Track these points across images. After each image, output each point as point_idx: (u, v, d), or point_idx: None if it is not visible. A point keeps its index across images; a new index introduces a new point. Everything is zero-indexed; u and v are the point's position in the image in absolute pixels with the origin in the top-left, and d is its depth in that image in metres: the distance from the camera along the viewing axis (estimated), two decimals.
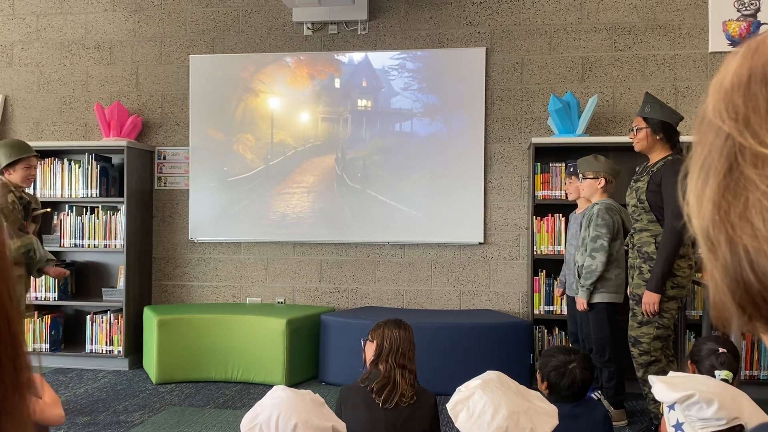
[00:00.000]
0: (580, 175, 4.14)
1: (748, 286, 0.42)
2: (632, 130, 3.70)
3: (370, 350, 2.60)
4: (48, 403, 2.45)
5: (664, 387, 1.75)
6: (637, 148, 3.68)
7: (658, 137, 3.61)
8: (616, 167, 4.12)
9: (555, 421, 2.06)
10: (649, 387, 3.54)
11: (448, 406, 2.10)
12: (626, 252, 3.87)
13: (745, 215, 0.41)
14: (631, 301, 3.66)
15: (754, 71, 0.43)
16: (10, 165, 3.91)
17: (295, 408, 1.86)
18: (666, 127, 3.61)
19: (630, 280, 3.70)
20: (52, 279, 5.26)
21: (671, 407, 1.73)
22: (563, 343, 4.83)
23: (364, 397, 2.46)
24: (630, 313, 3.65)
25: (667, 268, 3.42)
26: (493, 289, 5.23)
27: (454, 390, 4.79)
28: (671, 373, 1.95)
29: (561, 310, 4.78)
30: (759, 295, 0.41)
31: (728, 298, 0.44)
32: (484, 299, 5.23)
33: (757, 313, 0.43)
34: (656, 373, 3.54)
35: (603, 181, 4.03)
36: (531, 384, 4.58)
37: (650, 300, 3.45)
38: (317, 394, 1.96)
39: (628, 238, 3.79)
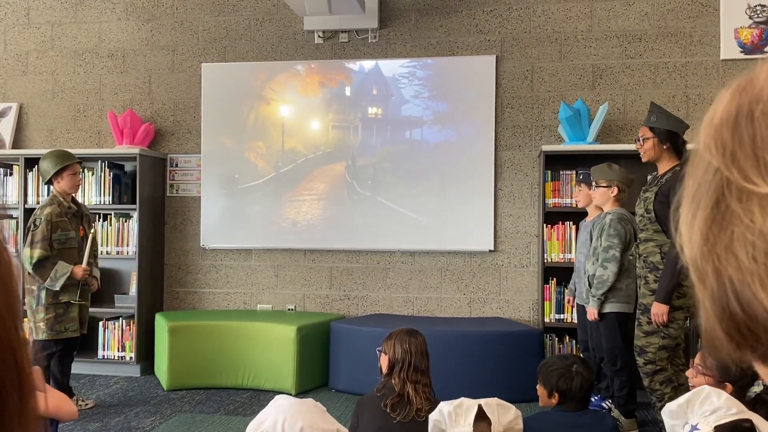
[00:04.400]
0: (593, 183, 4.13)
1: (733, 316, 0.43)
2: (638, 141, 3.69)
3: (384, 362, 2.61)
4: (64, 398, 2.60)
5: (668, 419, 1.81)
6: (644, 158, 3.68)
7: (665, 147, 3.60)
8: (630, 176, 4.11)
9: (519, 419, 2.10)
10: (657, 396, 3.53)
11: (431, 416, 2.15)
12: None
13: (731, 248, 0.42)
14: (637, 311, 3.66)
15: (741, 108, 0.44)
16: (57, 174, 4.17)
17: (299, 412, 1.88)
18: (672, 137, 3.60)
19: (637, 290, 3.69)
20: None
21: (695, 427, 1.76)
22: (574, 352, 4.82)
23: (380, 410, 2.47)
24: (636, 323, 3.64)
25: (674, 278, 3.41)
26: (503, 297, 5.22)
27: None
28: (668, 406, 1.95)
29: (572, 319, 4.77)
30: (744, 324, 0.42)
31: (716, 326, 0.45)
32: (495, 307, 5.23)
33: (743, 341, 0.44)
34: (662, 383, 3.52)
35: (616, 190, 4.01)
36: None
37: (659, 311, 3.44)
38: (319, 402, 1.98)
39: (633, 248, 3.79)
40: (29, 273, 4.12)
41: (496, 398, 2.14)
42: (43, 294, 4.12)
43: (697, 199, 0.46)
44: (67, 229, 4.18)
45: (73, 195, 4.32)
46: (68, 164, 4.21)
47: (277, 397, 1.96)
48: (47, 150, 5.63)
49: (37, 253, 4.06)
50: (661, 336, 3.51)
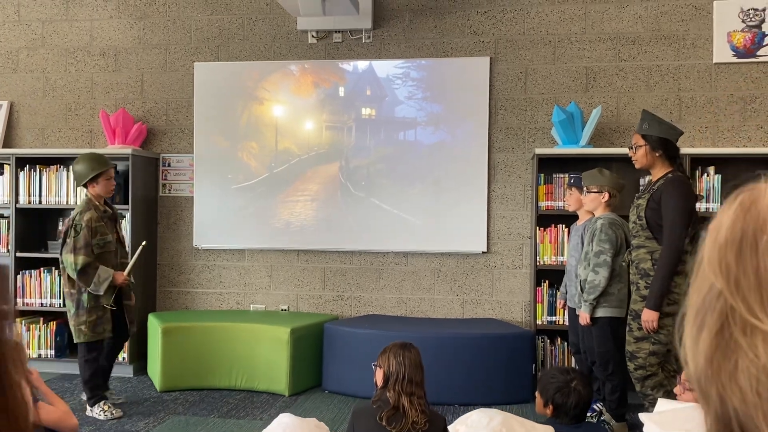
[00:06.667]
0: (584, 189, 4.15)
1: None
2: (632, 148, 3.70)
3: (379, 376, 2.63)
4: (66, 411, 2.62)
5: (655, 427, 1.74)
6: (637, 166, 3.70)
7: (657, 154, 3.60)
8: (621, 182, 4.13)
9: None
10: (650, 401, 3.56)
11: (450, 428, 2.16)
12: (628, 267, 3.88)
13: (735, 377, 0.43)
14: (628, 316, 3.68)
15: (746, 233, 0.45)
16: (93, 179, 4.25)
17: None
18: (665, 144, 3.60)
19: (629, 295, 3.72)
20: (57, 284, 5.31)
21: None
22: (565, 354, 4.86)
23: (376, 423, 2.48)
24: (627, 328, 3.67)
25: (665, 285, 3.43)
26: (496, 298, 5.24)
27: (457, 400, 4.84)
28: (660, 403, 1.95)
29: (563, 321, 4.80)
30: None
31: None
32: (487, 308, 5.25)
33: None
34: (653, 388, 3.55)
35: (607, 196, 4.03)
36: (532, 395, 4.61)
37: (649, 318, 3.46)
38: (322, 423, 1.99)
39: (626, 254, 3.81)
40: (70, 278, 4.22)
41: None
42: (84, 297, 4.22)
43: (701, 316, 0.47)
44: (105, 234, 4.28)
45: (105, 198, 4.40)
46: (105, 170, 4.30)
47: (280, 415, 1.97)
48: (38, 149, 5.63)
49: (81, 259, 4.14)
50: (651, 342, 3.54)
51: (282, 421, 1.92)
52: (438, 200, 5.26)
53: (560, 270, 4.79)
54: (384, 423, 2.46)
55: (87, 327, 4.21)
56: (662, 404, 1.94)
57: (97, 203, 4.29)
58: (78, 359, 4.35)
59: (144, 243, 4.54)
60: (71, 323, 4.28)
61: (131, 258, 4.41)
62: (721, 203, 4.73)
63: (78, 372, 5.26)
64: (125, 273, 4.29)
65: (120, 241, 4.46)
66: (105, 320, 4.28)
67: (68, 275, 4.22)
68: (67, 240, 4.18)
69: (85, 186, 4.32)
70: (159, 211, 5.65)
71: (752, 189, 0.48)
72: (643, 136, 3.62)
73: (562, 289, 4.55)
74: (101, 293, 4.19)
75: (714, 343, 0.45)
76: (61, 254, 4.25)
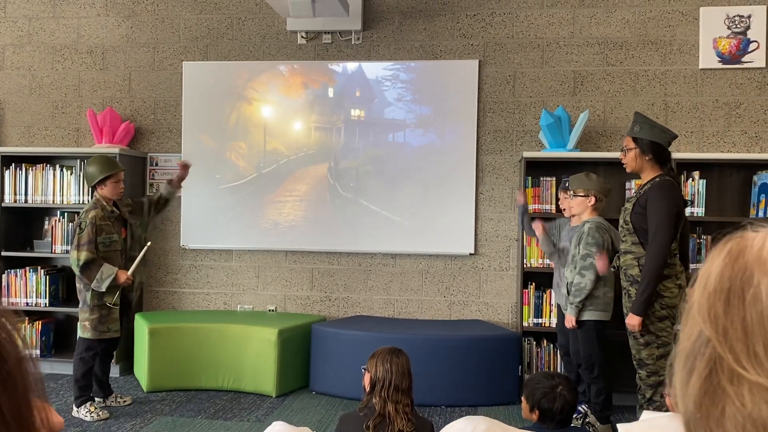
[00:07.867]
0: (571, 192, 4.18)
1: None
2: (623, 151, 3.72)
3: (366, 380, 2.64)
4: (50, 410, 2.62)
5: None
6: (627, 169, 3.71)
7: (647, 158, 3.59)
8: (607, 186, 4.16)
9: None
10: (656, 408, 3.56)
11: None
12: (615, 272, 3.91)
13: (722, 423, 0.45)
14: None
15: (734, 284, 0.47)
16: (101, 180, 4.32)
17: None
18: (656, 147, 3.60)
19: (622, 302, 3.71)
20: (43, 284, 5.28)
21: None
22: (551, 356, 4.90)
23: (363, 431, 2.49)
24: (631, 338, 3.61)
25: (649, 291, 3.42)
26: (483, 300, 5.28)
27: (444, 402, 4.86)
28: (644, 415, 1.98)
29: (550, 323, 4.84)
30: None
31: None
32: (474, 309, 5.28)
33: None
34: (663, 396, 3.52)
35: (593, 200, 4.06)
36: (518, 396, 4.64)
37: (632, 322, 3.48)
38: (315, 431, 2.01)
39: (615, 259, 3.83)
40: (77, 275, 4.27)
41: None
42: (88, 295, 4.28)
43: (690, 361, 0.49)
44: (110, 233, 4.33)
45: (115, 199, 4.43)
46: (113, 173, 4.36)
47: (274, 423, 1.98)
48: (24, 147, 5.59)
49: (84, 255, 4.19)
50: (656, 346, 3.51)
51: (275, 429, 1.93)
52: (426, 202, 5.28)
53: (547, 272, 4.83)
54: (371, 431, 2.47)
55: (90, 324, 4.27)
56: (645, 417, 1.97)
57: (105, 204, 4.34)
58: (74, 355, 4.36)
59: (149, 243, 4.55)
60: (79, 319, 4.36)
61: (137, 258, 4.41)
62: (705, 208, 4.75)
63: (67, 371, 5.25)
64: (129, 272, 4.31)
65: (128, 241, 4.49)
66: (110, 319, 4.33)
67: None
68: (74, 238, 4.25)
69: (94, 187, 4.39)
70: None
71: (741, 238, 0.50)
72: (634, 139, 3.62)
73: (554, 287, 4.54)
74: (103, 290, 4.23)
75: (702, 388, 0.47)
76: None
